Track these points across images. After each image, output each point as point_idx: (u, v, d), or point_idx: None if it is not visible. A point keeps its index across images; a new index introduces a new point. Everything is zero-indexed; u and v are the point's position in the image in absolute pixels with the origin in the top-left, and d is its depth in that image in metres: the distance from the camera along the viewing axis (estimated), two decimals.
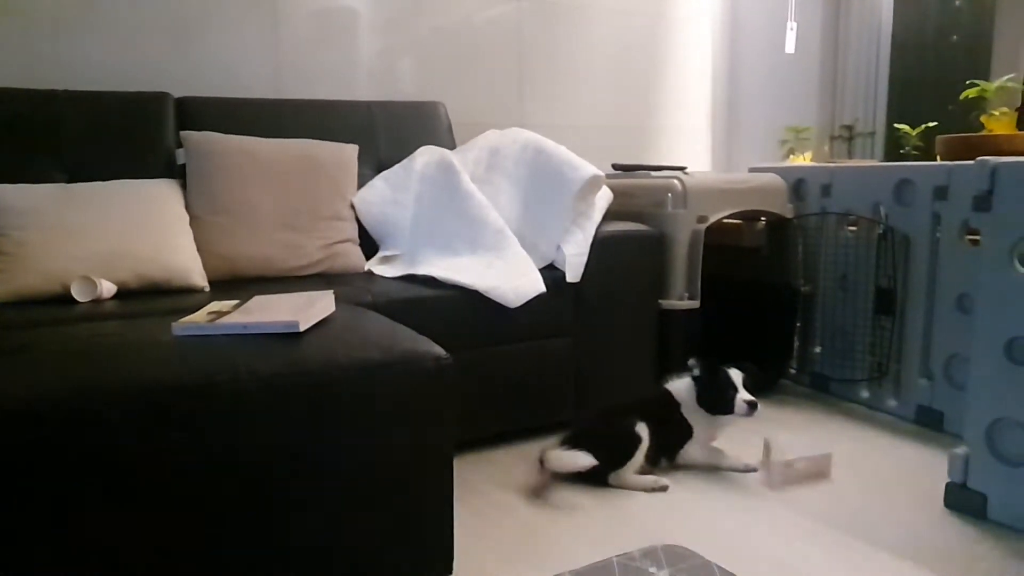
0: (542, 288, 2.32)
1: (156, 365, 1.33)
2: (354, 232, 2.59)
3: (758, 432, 2.37)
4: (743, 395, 2.18)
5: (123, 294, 2.06)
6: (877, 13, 3.51)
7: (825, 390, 2.92)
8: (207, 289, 2.19)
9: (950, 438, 2.41)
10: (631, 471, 2.13)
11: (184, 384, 1.29)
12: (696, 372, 2.26)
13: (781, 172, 2.94)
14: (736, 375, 2.21)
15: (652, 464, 2.20)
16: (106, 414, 1.22)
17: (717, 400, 2.21)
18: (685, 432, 2.25)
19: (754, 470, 2.23)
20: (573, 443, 2.14)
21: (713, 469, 2.24)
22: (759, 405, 2.17)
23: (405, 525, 1.48)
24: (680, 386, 2.29)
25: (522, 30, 3.42)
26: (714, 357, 2.24)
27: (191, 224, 2.30)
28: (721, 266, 2.85)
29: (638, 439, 2.13)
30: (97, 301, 1.99)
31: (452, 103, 3.10)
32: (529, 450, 2.28)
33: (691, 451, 2.25)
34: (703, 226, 2.62)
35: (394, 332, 1.58)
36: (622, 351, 2.57)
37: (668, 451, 2.24)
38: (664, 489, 2.12)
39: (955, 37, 3.37)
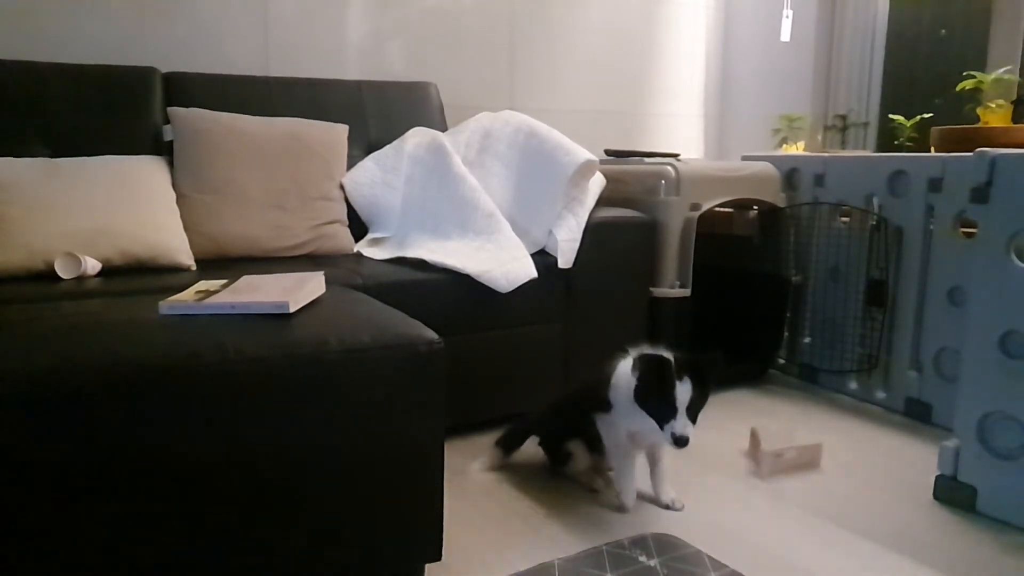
0: (533, 273, 2.29)
1: (142, 343, 1.30)
2: (343, 213, 2.56)
3: (746, 422, 2.37)
4: (678, 424, 1.70)
5: (108, 272, 2.03)
6: (873, 3, 3.50)
7: (814, 381, 2.91)
8: (193, 268, 2.16)
9: (939, 431, 2.41)
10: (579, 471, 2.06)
11: (170, 363, 1.26)
12: (635, 368, 1.81)
13: (774, 161, 2.92)
14: (683, 393, 1.70)
15: (600, 454, 2.04)
16: (90, 392, 1.20)
17: (651, 413, 1.76)
18: (603, 409, 1.93)
19: (625, 513, 1.92)
20: (506, 446, 2.18)
21: (677, 460, 2.19)
22: (689, 441, 1.70)
23: (394, 511, 1.46)
24: (624, 369, 1.88)
25: (514, 12, 3.38)
26: (662, 355, 1.76)
27: (178, 202, 2.26)
28: (712, 255, 2.84)
29: (567, 456, 2.05)
30: (81, 278, 1.96)
31: (443, 85, 3.07)
32: None
33: (600, 423, 1.95)
34: (696, 214, 2.60)
35: (385, 315, 1.56)
36: (612, 339, 2.55)
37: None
38: (595, 493, 2.01)
39: (950, 29, 3.36)
